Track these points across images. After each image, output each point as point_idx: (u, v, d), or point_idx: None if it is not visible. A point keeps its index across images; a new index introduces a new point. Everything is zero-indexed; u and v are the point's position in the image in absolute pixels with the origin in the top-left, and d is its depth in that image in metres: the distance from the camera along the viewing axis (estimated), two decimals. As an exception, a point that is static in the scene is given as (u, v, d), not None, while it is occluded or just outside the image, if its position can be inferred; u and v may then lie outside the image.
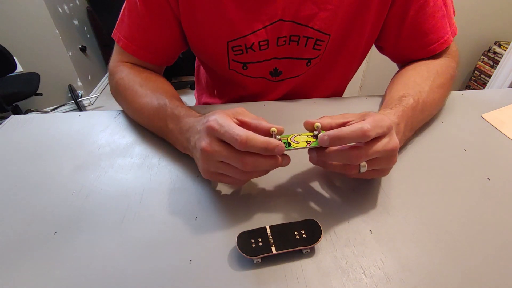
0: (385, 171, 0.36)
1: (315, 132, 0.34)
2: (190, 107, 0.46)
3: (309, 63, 0.57)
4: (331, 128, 0.34)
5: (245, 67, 0.58)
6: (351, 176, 0.36)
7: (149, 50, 0.54)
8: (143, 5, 0.49)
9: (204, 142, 0.33)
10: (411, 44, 0.54)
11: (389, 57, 0.60)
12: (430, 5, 0.50)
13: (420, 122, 0.46)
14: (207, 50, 0.57)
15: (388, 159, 0.33)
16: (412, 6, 0.50)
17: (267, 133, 0.33)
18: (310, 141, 0.33)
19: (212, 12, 0.50)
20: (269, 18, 0.50)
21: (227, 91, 0.68)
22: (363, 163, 0.32)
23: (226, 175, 0.34)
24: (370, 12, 0.51)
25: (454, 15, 0.54)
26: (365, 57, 0.61)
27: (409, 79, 0.49)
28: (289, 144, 0.33)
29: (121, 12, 0.53)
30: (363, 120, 0.32)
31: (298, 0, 0.49)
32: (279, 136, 0.34)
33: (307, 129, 0.35)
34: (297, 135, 0.35)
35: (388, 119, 0.33)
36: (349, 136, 0.30)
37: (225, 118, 0.32)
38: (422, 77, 0.49)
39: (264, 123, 0.34)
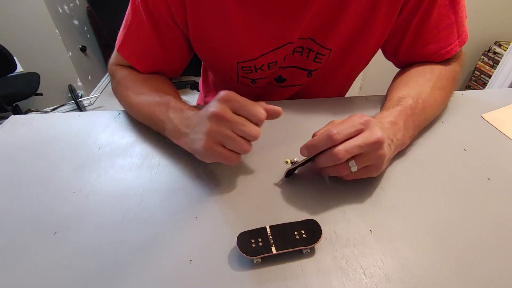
0: (377, 167, 0.35)
1: None
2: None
3: (309, 75, 0.58)
4: None
5: (254, 82, 0.59)
6: (347, 178, 0.37)
7: (159, 68, 0.54)
8: (151, 26, 0.49)
9: (216, 108, 0.34)
10: (411, 54, 0.54)
11: (391, 61, 0.60)
12: (433, 16, 0.49)
13: (422, 122, 0.46)
14: (217, 67, 0.59)
15: (374, 153, 0.34)
16: (415, 18, 0.49)
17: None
18: None
19: (222, 35, 0.50)
20: (278, 42, 0.50)
21: None
22: (352, 162, 0.34)
23: (225, 149, 0.35)
24: (375, 27, 0.50)
25: (466, 18, 0.52)
26: (367, 64, 0.61)
27: (411, 80, 0.49)
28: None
29: (126, 26, 0.51)
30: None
31: (305, 22, 0.48)
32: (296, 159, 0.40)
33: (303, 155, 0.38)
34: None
35: (367, 117, 0.34)
36: (319, 142, 0.33)
37: (237, 94, 0.34)
38: (425, 78, 0.49)
39: (257, 112, 0.35)
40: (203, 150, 0.35)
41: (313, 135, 0.38)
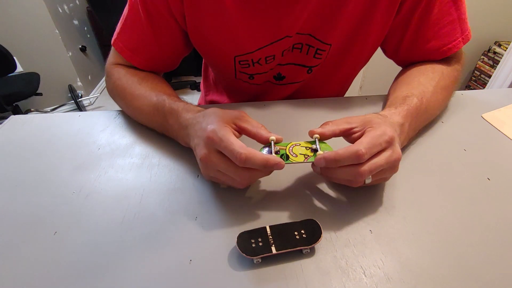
0: (387, 179, 0.36)
1: (314, 146, 0.35)
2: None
3: (309, 71, 0.58)
4: (334, 135, 0.35)
5: (251, 78, 0.59)
6: (356, 186, 0.35)
7: (154, 62, 0.54)
8: (146, 19, 0.49)
9: (202, 152, 0.33)
10: (413, 51, 0.54)
11: (392, 60, 0.60)
12: (434, 12, 0.48)
13: (423, 122, 0.46)
14: (214, 61, 0.59)
15: (391, 169, 0.34)
16: (415, 15, 0.49)
17: (266, 141, 0.34)
18: (308, 155, 0.34)
19: (219, 28, 0.50)
20: (275, 35, 0.50)
21: (234, 91, 0.69)
22: (368, 177, 0.33)
23: (225, 179, 0.35)
24: (374, 22, 0.50)
25: None
26: (368, 61, 0.61)
27: (413, 79, 0.49)
28: (287, 157, 0.34)
29: (122, 20, 0.51)
30: (363, 135, 0.33)
31: (303, 16, 0.48)
32: (278, 146, 0.34)
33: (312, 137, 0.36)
34: (295, 145, 0.35)
35: (390, 130, 0.33)
36: (345, 159, 0.31)
37: (224, 129, 0.33)
38: (427, 77, 0.48)
39: (263, 132, 0.35)
40: (206, 178, 0.37)
41: (324, 124, 0.36)
